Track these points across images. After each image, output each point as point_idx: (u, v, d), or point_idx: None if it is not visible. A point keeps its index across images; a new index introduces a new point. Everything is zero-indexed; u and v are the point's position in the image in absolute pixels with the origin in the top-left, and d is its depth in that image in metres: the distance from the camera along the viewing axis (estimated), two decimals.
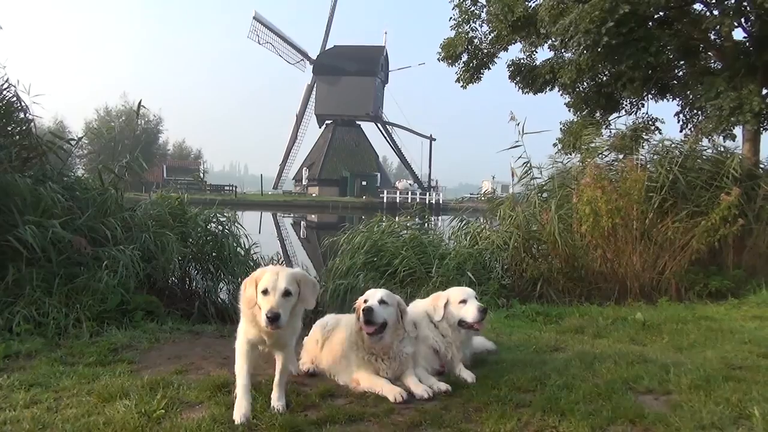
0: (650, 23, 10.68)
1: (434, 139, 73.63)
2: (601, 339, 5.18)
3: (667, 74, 12.31)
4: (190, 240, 7.20)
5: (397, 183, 73.85)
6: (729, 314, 6.41)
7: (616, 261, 8.09)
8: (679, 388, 3.62)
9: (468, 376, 3.90)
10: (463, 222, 9.95)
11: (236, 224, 7.64)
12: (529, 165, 9.91)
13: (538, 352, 4.66)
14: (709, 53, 11.77)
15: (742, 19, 10.42)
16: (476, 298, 4.11)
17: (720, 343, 5.00)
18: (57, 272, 5.33)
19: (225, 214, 7.66)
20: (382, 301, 3.84)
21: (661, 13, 10.91)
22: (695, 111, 12.56)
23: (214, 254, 7.21)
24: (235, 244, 7.29)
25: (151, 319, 5.49)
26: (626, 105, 13.55)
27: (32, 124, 6.74)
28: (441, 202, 57.50)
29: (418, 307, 4.35)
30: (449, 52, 13.80)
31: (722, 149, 10.12)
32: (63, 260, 5.47)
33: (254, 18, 67.32)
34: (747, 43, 10.88)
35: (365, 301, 3.87)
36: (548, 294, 7.65)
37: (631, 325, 5.66)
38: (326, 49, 72.86)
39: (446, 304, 4.12)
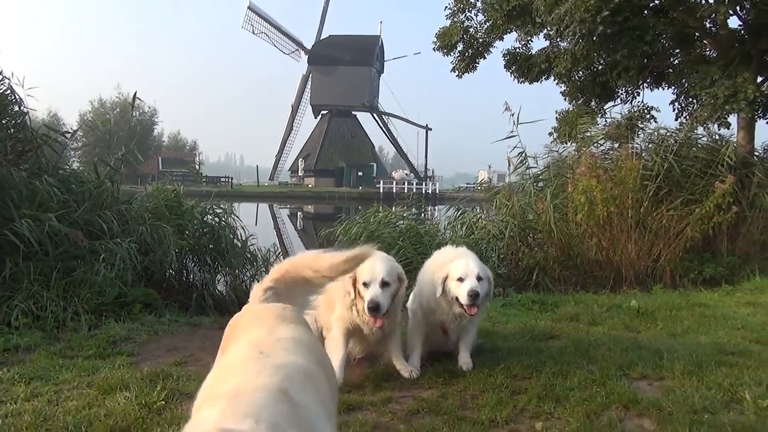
0: (645, 12, 10.58)
1: (430, 129, 73.75)
2: (596, 326, 5.19)
3: (662, 62, 12.21)
4: (187, 232, 7.14)
5: (393, 173, 73.77)
6: (723, 301, 6.43)
7: (611, 249, 8.09)
8: (672, 373, 3.68)
9: (465, 364, 3.93)
10: (459, 212, 9.94)
11: (233, 216, 7.60)
12: (524, 155, 9.87)
13: (533, 340, 4.67)
14: (705, 41, 11.66)
15: (737, 7, 10.32)
16: (479, 277, 3.80)
17: (713, 329, 5.05)
18: (54, 266, 5.32)
19: (221, 206, 7.62)
20: (384, 284, 3.62)
21: (656, 2, 10.81)
22: (690, 99, 12.42)
23: (211, 246, 7.17)
24: (231, 236, 7.26)
25: (149, 311, 5.50)
26: (622, 94, 13.42)
27: (27, 117, 6.71)
28: (437, 191, 57.43)
29: (433, 263, 4.19)
30: (444, 42, 13.72)
31: (717, 137, 10.09)
32: (60, 254, 5.46)
33: (248, 8, 66.84)
34: (742, 31, 10.81)
35: (365, 284, 3.62)
36: (544, 283, 7.63)
37: (625, 313, 5.66)
38: (321, 38, 72.33)
39: (446, 279, 3.89)
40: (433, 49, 14.16)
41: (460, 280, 3.81)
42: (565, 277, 7.84)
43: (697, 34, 11.43)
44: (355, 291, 3.71)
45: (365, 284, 3.63)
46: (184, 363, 4.15)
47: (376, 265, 3.64)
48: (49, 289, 5.13)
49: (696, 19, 10.39)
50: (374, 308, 3.53)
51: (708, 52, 11.77)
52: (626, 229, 8.07)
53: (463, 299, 3.75)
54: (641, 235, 8.08)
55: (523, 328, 5.09)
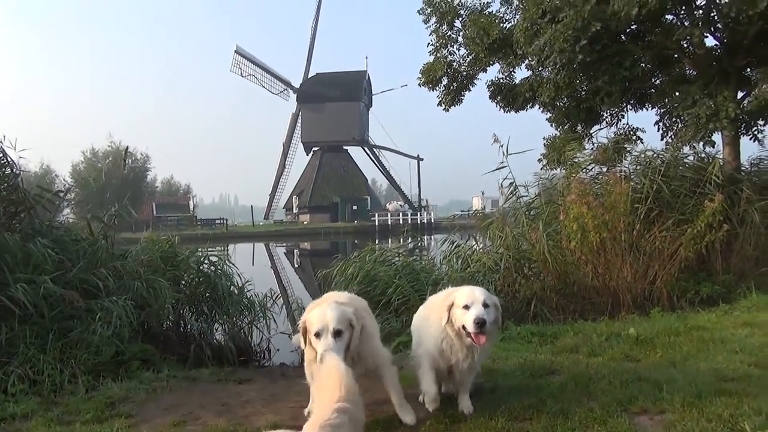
0: (622, 37, 10.59)
1: (421, 159, 73.72)
2: (595, 357, 5.13)
3: (644, 84, 12.13)
4: (183, 282, 7.10)
5: (387, 205, 73.35)
6: (720, 322, 6.36)
7: (607, 274, 7.98)
8: (672, 406, 3.64)
9: (467, 408, 3.87)
10: (454, 245, 9.75)
11: (227, 263, 7.51)
12: (514, 185, 9.77)
13: (533, 376, 4.61)
14: (683, 62, 11.62)
15: (712, 28, 10.37)
16: (485, 304, 3.63)
17: (712, 354, 5.00)
18: (50, 327, 5.27)
19: (216, 254, 7.56)
20: (337, 333, 3.33)
21: (632, 27, 10.76)
22: (674, 119, 12.16)
23: (207, 295, 7.09)
24: (228, 283, 7.16)
25: (146, 368, 5.41)
26: (606, 117, 13.29)
27: (20, 178, 6.76)
28: (433, 221, 56.84)
29: (433, 304, 4.02)
30: (429, 77, 13.76)
31: (703, 156, 10.03)
32: (56, 315, 5.41)
33: (236, 51, 67.95)
34: (718, 50, 10.82)
35: (317, 335, 3.34)
36: (542, 313, 7.47)
37: (624, 341, 5.59)
38: (309, 77, 73.01)
39: (451, 306, 3.72)
40: (419, 84, 14.19)
41: (466, 307, 3.64)
42: (563, 306, 7.68)
43: (675, 55, 11.41)
44: (306, 341, 3.46)
45: (317, 335, 3.36)
46: (183, 422, 4.08)
47: (326, 313, 3.38)
48: (46, 352, 5.07)
49: (673, 41, 10.42)
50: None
51: (688, 72, 11.72)
52: (620, 253, 7.96)
53: (470, 327, 3.57)
54: (636, 259, 7.96)
55: (523, 363, 5.02)
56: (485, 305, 3.64)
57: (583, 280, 8.04)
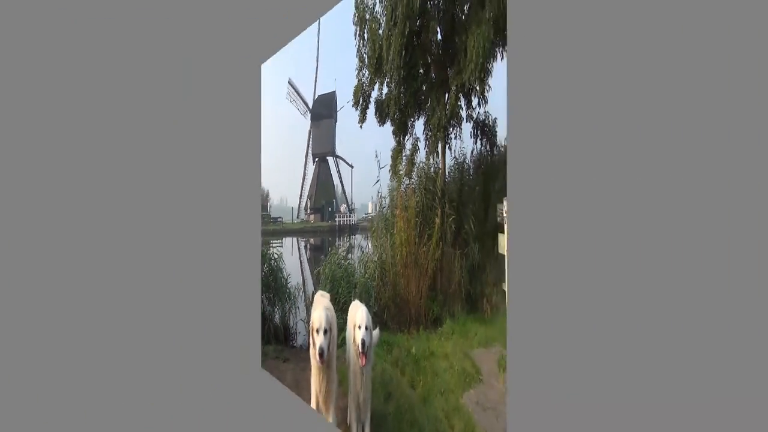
0: (415, 39, 8.69)
1: (352, 166, 57.68)
2: (403, 376, 4.20)
3: (420, 90, 9.79)
4: (263, 273, 5.79)
5: (340, 207, 57.57)
6: (438, 350, 4.64)
7: (407, 288, 5.57)
8: None
9: None
10: (362, 250, 5.87)
11: (281, 259, 5.90)
12: (380, 196, 8.28)
13: (385, 399, 3.88)
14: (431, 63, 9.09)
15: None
16: (368, 327, 3.07)
17: (436, 390, 3.95)
18: None
19: (276, 253, 6.20)
20: (326, 331, 2.94)
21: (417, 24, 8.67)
22: (429, 126, 7.50)
23: (273, 284, 5.97)
24: (281, 276, 5.77)
25: None
26: (410, 127, 11.18)
27: None
28: (354, 223, 45.54)
29: (350, 316, 3.31)
30: (355, 99, 10.00)
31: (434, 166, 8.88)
32: None
33: (288, 83, 43.64)
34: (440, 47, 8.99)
35: (317, 331, 2.94)
36: (388, 322, 5.16)
37: (411, 361, 4.36)
38: (315, 98, 51.82)
39: (354, 327, 3.12)
40: (352, 105, 10.64)
41: (359, 327, 3.07)
42: (395, 316, 5.32)
43: (430, 57, 9.58)
44: (312, 337, 3.00)
45: (317, 331, 2.97)
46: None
47: (322, 313, 3.01)
48: None
49: (428, 39, 8.75)
50: (320, 354, 2.87)
51: (433, 76, 9.41)
52: (411, 266, 5.54)
53: (359, 346, 3.01)
54: (415, 274, 5.48)
55: (380, 374, 4.06)
56: (366, 327, 3.10)
57: (400, 292, 5.60)
